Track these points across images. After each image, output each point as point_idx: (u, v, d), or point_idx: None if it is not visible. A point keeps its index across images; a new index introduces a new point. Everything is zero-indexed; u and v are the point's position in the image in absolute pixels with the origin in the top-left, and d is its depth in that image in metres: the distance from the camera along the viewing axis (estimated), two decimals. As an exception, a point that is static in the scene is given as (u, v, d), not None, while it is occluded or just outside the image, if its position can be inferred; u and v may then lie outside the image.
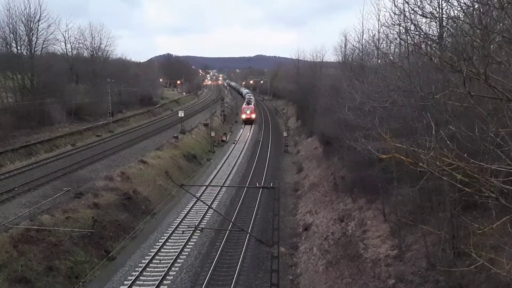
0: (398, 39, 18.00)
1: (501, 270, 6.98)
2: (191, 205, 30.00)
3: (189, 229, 24.44)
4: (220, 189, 33.99)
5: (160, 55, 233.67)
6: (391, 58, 20.59)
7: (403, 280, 14.65)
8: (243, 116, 78.21)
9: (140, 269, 20.38)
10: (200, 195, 31.95)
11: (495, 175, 6.86)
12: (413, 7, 10.22)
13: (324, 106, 36.70)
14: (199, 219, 27.48)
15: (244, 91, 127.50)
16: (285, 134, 57.76)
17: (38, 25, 52.96)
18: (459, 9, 8.89)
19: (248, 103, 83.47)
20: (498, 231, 6.87)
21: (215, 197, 32.47)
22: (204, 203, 25.00)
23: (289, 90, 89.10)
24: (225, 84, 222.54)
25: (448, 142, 7.66)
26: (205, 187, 34.11)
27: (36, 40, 53.53)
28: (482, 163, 6.76)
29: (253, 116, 78.40)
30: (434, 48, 12.31)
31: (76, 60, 70.97)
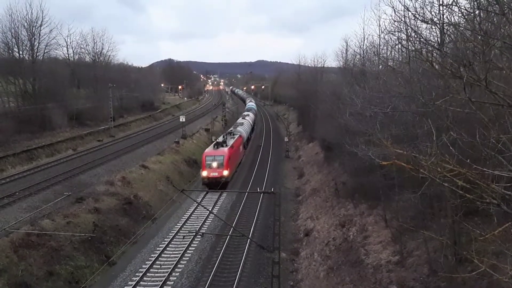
0: (399, 45, 18.11)
1: (503, 277, 6.94)
2: (192, 210, 29.96)
3: (190, 234, 24.38)
4: (221, 194, 33.95)
5: (161, 60, 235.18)
6: (392, 64, 20.63)
7: (405, 286, 14.60)
8: (203, 173, 35.68)
9: (141, 274, 20.32)
10: (201, 200, 31.92)
11: (497, 181, 6.86)
12: (413, 14, 10.28)
13: (325, 111, 36.76)
14: (200, 224, 27.43)
15: (249, 104, 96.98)
16: (286, 139, 57.77)
17: (40, 30, 53.43)
18: (459, 15, 8.93)
19: (218, 145, 38.36)
20: (500, 237, 6.84)
21: (216, 202, 32.44)
22: (205, 208, 24.92)
23: (290, 95, 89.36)
24: (227, 90, 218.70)
25: (450, 148, 7.67)
26: (206, 192, 34.08)
27: (38, 45, 53.96)
28: (483, 169, 6.75)
29: (225, 173, 35.30)
30: (435, 54, 12.35)
31: (77, 65, 71.47)
